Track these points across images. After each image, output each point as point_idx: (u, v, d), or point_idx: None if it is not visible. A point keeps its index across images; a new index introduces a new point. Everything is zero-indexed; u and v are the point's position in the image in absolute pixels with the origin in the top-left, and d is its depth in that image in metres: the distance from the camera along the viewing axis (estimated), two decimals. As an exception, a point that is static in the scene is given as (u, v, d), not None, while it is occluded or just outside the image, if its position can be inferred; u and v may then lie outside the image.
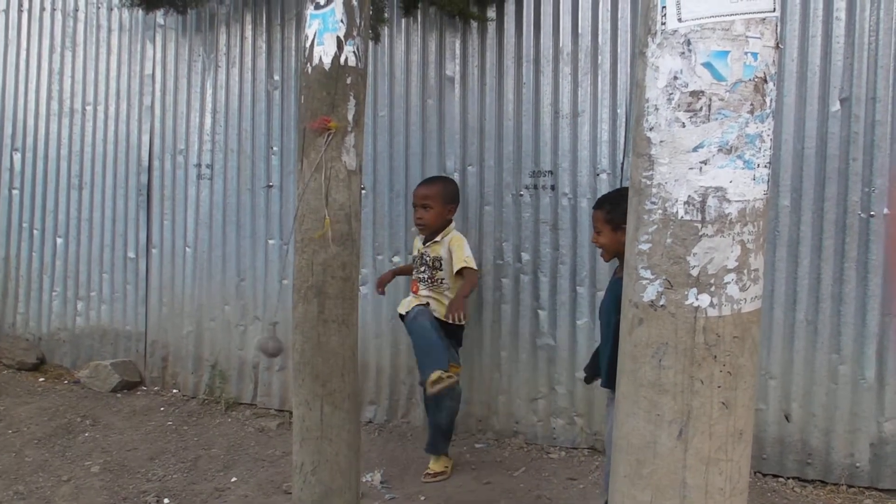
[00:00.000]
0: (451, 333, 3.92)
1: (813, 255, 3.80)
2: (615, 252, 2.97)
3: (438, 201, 3.95)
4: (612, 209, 2.93)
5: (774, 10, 1.65)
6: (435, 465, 3.97)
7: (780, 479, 3.88)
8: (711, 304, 1.68)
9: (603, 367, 2.97)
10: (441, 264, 3.95)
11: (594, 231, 3.08)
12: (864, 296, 3.73)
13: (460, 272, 3.89)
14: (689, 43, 1.64)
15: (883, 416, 3.72)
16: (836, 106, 3.74)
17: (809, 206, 3.79)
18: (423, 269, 4.00)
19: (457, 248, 3.92)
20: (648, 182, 1.72)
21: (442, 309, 3.89)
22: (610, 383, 2.88)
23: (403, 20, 4.60)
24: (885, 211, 3.67)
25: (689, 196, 1.66)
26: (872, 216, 3.69)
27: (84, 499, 3.66)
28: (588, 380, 3.42)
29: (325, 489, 2.64)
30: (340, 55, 2.54)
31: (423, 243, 4.03)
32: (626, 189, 3.13)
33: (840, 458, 3.79)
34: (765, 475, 3.91)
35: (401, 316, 4.00)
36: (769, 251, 3.82)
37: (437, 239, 3.98)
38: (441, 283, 3.96)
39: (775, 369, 3.88)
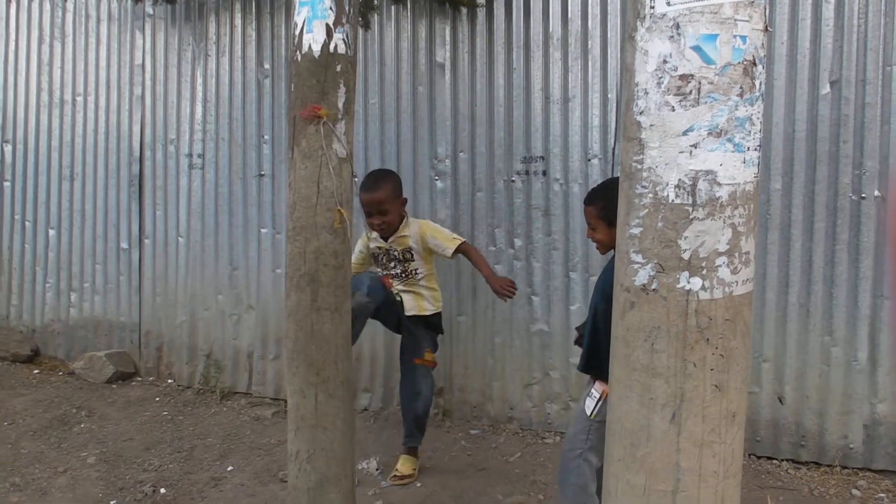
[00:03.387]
0: (431, 326, 3.90)
1: (805, 237, 3.81)
2: (612, 246, 2.83)
3: (392, 202, 3.68)
4: (606, 205, 2.77)
5: (763, -8, 1.65)
6: (404, 467, 3.78)
7: (775, 462, 3.91)
8: (703, 288, 1.68)
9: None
10: (412, 255, 3.79)
11: (588, 227, 2.93)
12: (855, 278, 3.74)
13: (459, 250, 3.73)
14: (677, 27, 1.64)
15: (876, 398, 3.75)
16: (826, 88, 3.74)
17: (801, 189, 3.80)
18: (392, 265, 3.83)
19: (435, 232, 3.78)
20: (639, 166, 1.72)
21: (419, 302, 3.84)
22: (587, 368, 2.84)
23: (393, 7, 4.58)
24: (876, 193, 3.68)
25: (680, 180, 1.66)
26: (864, 198, 3.70)
27: (80, 490, 3.66)
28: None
29: (320, 477, 2.65)
30: (330, 43, 2.53)
31: (385, 240, 3.79)
32: (614, 180, 3.12)
33: (834, 440, 3.82)
34: (759, 457, 3.94)
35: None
36: (761, 234, 3.83)
37: (403, 233, 3.77)
38: (415, 273, 3.82)
39: (768, 352, 3.90)
